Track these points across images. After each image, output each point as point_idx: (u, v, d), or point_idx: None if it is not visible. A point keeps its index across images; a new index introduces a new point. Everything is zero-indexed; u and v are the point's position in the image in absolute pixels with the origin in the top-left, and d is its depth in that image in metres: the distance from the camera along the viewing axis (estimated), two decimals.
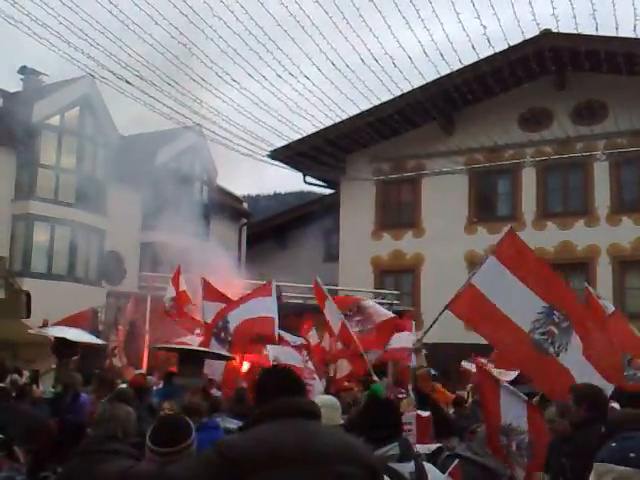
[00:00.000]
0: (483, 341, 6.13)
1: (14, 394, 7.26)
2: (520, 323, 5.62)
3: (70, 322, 12.01)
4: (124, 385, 8.57)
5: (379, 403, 4.30)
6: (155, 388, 9.89)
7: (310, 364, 7.92)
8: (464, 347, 12.87)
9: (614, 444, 2.34)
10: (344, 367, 11.22)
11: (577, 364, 5.55)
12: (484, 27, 11.67)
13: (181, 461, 3.12)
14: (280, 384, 2.89)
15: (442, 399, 7.19)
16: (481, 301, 5.77)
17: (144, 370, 11.26)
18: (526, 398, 5.53)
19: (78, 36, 11.85)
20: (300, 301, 19.76)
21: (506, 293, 5.72)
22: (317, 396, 5.75)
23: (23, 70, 23.06)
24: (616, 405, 6.94)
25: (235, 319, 9.15)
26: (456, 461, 4.19)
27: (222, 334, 8.85)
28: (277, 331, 8.92)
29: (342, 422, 5.27)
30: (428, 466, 3.88)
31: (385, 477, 3.52)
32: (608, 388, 5.30)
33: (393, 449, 3.67)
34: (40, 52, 13.39)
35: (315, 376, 7.44)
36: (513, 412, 5.33)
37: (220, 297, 10.52)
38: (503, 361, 7.91)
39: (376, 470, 2.95)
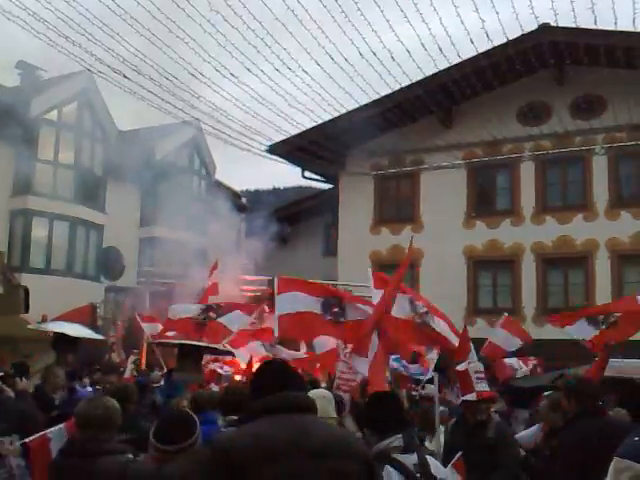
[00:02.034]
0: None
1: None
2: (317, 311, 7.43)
3: (69, 317, 11.99)
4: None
5: (383, 397, 4.36)
6: (155, 385, 9.89)
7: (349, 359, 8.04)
8: None
9: (637, 438, 2.27)
10: None
11: None
12: (482, 21, 11.67)
13: (177, 459, 3.09)
14: (276, 379, 2.88)
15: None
16: (291, 317, 7.38)
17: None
18: None
19: (76, 31, 11.82)
20: None
21: (298, 302, 7.45)
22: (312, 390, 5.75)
23: (21, 65, 23.00)
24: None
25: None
26: (459, 454, 4.22)
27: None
28: None
29: (335, 415, 5.28)
30: (431, 459, 3.93)
31: (389, 468, 3.61)
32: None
33: (397, 441, 3.73)
34: (38, 47, 13.35)
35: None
36: None
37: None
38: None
39: (372, 465, 2.95)
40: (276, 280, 7.78)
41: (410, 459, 3.72)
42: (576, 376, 5.92)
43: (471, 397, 6.04)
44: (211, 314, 10.12)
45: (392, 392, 5.84)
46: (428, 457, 3.90)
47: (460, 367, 6.44)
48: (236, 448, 2.62)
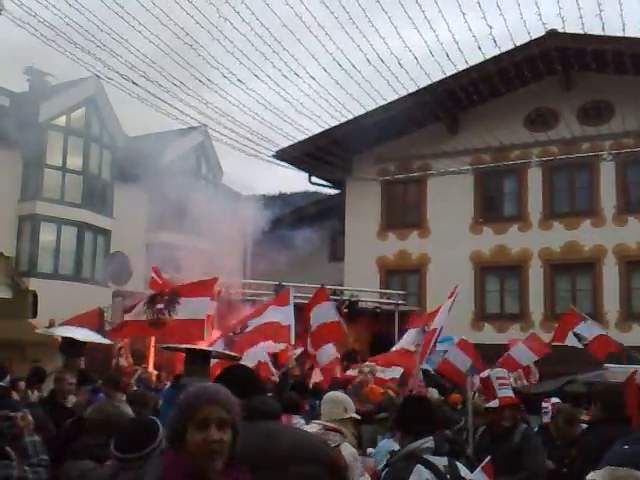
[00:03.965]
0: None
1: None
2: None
3: (77, 322, 12.03)
4: None
5: (416, 400, 4.48)
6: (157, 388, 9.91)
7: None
8: None
9: (626, 446, 2.21)
10: None
11: None
12: (490, 27, 11.65)
13: (138, 468, 3.06)
14: (240, 384, 2.85)
15: None
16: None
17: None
18: None
19: (85, 37, 11.88)
20: (306, 301, 19.79)
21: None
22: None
23: (29, 71, 23.12)
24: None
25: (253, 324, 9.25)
26: (488, 457, 4.25)
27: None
28: (292, 338, 8.98)
29: (346, 416, 5.29)
30: (459, 464, 4.01)
31: (421, 467, 3.69)
32: None
33: (428, 442, 3.83)
34: (46, 53, 13.44)
35: None
36: None
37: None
38: None
39: (338, 468, 2.99)
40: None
41: (440, 461, 3.80)
42: (606, 384, 5.96)
43: (493, 404, 5.98)
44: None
45: (425, 396, 5.88)
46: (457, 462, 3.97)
47: (483, 374, 6.39)
48: None
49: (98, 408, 4.35)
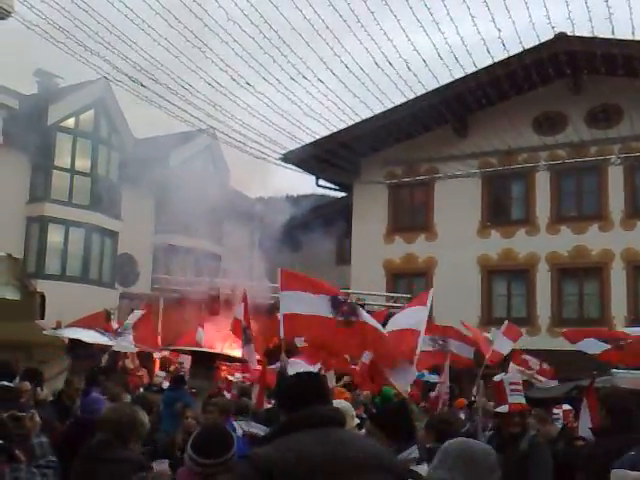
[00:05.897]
0: None
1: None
2: (325, 314, 6.98)
3: (84, 324, 12.08)
4: None
5: (401, 406, 4.36)
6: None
7: None
8: None
9: (633, 453, 2.23)
10: None
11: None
12: (499, 30, 11.61)
13: (219, 477, 3.11)
14: (307, 391, 2.86)
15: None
16: (299, 318, 6.91)
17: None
18: None
19: (94, 39, 11.93)
20: None
21: (305, 303, 7.00)
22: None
23: (38, 73, 23.23)
24: None
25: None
26: None
27: None
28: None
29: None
30: None
31: None
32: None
33: (413, 452, 3.76)
34: (56, 55, 13.49)
35: None
36: None
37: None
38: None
39: (403, 477, 2.96)
40: (279, 274, 7.14)
41: (424, 470, 3.71)
42: (611, 388, 5.82)
43: (502, 409, 5.92)
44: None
45: (404, 401, 5.81)
46: None
47: (496, 378, 6.35)
48: (278, 465, 2.60)
49: (114, 408, 4.36)
